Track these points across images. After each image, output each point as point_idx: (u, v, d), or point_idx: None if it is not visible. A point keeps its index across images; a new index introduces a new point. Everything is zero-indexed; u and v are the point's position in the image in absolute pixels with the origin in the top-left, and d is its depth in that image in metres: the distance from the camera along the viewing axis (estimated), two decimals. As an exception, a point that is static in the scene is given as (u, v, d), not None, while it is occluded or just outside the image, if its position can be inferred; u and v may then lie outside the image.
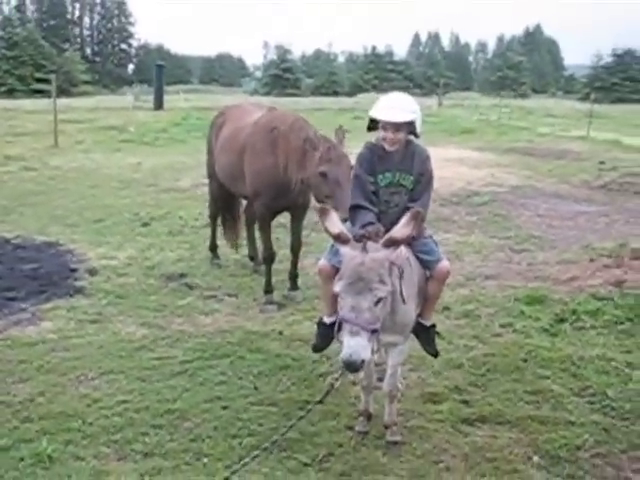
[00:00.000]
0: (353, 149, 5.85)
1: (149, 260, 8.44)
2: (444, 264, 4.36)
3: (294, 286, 7.38)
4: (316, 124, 6.78)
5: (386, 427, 4.47)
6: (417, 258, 4.26)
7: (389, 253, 3.59)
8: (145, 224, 10.33)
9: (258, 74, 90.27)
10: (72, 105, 32.39)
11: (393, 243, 3.59)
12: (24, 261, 8.20)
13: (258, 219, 7.30)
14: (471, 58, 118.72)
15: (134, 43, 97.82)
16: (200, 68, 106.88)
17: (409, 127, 4.29)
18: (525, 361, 5.65)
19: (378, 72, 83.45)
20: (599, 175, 15.76)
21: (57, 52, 72.17)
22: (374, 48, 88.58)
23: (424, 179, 4.35)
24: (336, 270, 3.88)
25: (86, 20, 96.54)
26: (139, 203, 11.88)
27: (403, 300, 3.84)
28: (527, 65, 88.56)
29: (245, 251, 8.62)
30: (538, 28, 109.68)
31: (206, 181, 8.92)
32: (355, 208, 4.27)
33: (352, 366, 3.40)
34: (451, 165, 16.09)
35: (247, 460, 3.56)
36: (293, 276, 7.39)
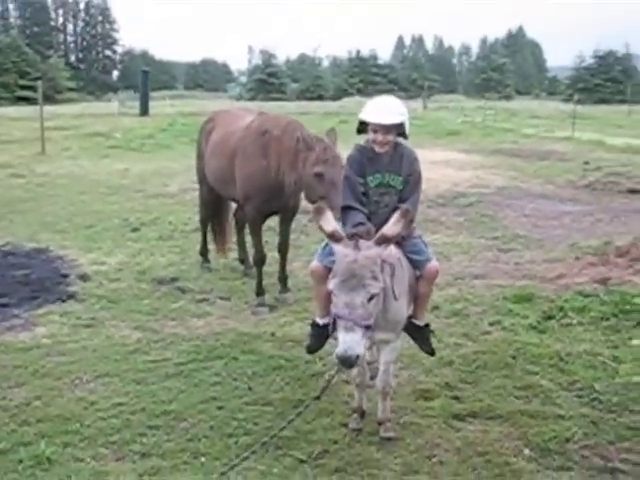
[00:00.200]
0: (341, 151, 5.96)
1: (140, 265, 8.49)
2: (433, 264, 4.45)
3: (285, 288, 7.45)
4: (304, 127, 6.85)
5: (379, 423, 4.55)
6: (407, 258, 4.35)
7: (381, 250, 3.69)
8: (135, 229, 10.38)
9: (243, 79, 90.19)
10: (57, 112, 32.39)
11: (384, 240, 3.69)
12: (15, 267, 8.23)
13: (249, 222, 7.37)
14: (455, 61, 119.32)
15: (118, 49, 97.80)
16: (185, 74, 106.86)
17: (398, 129, 4.39)
18: (514, 357, 5.74)
19: (363, 76, 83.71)
20: (584, 175, 15.94)
21: (41, 59, 71.98)
22: (358, 52, 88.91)
23: (412, 180, 4.45)
24: (328, 271, 3.97)
25: (70, 27, 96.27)
26: (128, 209, 11.92)
27: (395, 297, 3.93)
28: (510, 67, 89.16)
29: (234, 255, 8.69)
30: (521, 30, 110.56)
31: (194, 186, 9.00)
32: (346, 209, 4.35)
33: (347, 361, 3.49)
34: (437, 167, 16.22)
35: (246, 455, 3.63)
36: (283, 278, 7.47)
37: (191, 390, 5.16)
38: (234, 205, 8.35)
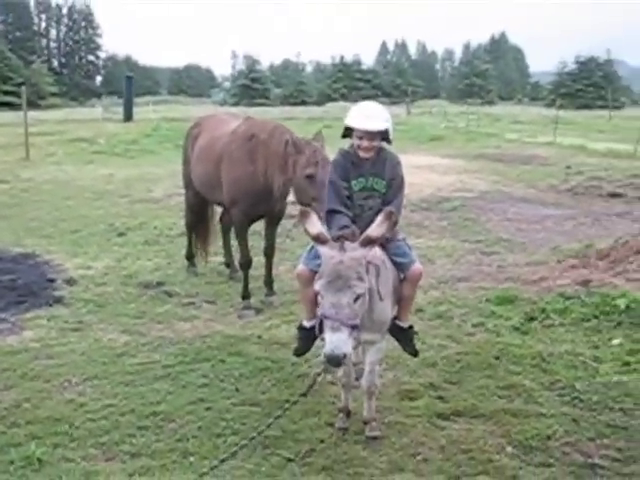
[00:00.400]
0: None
1: (126, 269, 8.54)
2: (417, 266, 4.54)
3: (271, 291, 7.53)
4: (289, 133, 6.93)
5: (365, 423, 4.63)
6: (391, 261, 4.44)
7: (366, 252, 3.78)
8: (121, 234, 10.42)
9: (227, 84, 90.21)
10: (41, 117, 32.37)
11: (369, 242, 3.78)
12: (2, 272, 8.24)
13: (235, 226, 7.44)
14: (438, 66, 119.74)
15: (102, 55, 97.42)
16: (168, 79, 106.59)
17: (383, 135, 4.48)
18: (497, 358, 5.84)
19: (346, 81, 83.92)
20: (565, 179, 16.14)
21: (24, 64, 71.61)
22: (342, 57, 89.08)
23: (395, 183, 4.54)
24: (314, 274, 4.06)
25: (53, 32, 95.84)
26: (113, 214, 11.96)
27: (380, 297, 4.02)
28: (493, 72, 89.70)
29: (220, 259, 8.75)
30: (503, 36, 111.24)
31: (179, 191, 9.06)
32: (331, 212, 4.42)
33: (334, 360, 3.57)
34: (421, 172, 16.34)
35: (235, 449, 3.70)
36: (269, 281, 7.54)
37: (179, 392, 5.22)
38: (220, 209, 8.42)
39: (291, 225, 8.67)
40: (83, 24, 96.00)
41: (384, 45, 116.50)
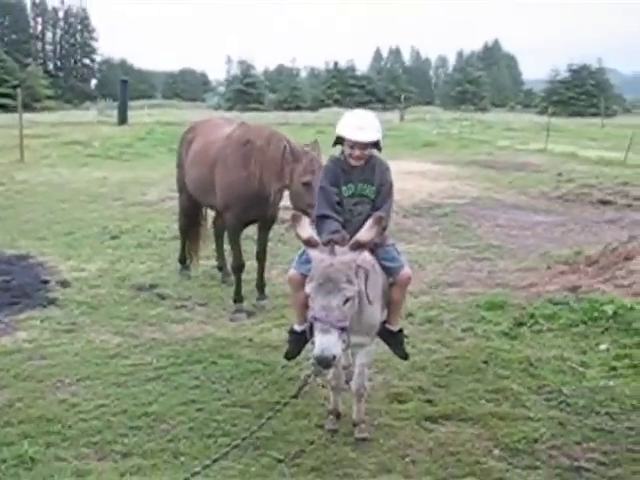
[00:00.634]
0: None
1: (120, 272, 8.58)
2: (406, 271, 4.62)
3: (262, 295, 7.59)
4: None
5: (354, 425, 4.70)
6: (380, 265, 4.50)
7: (355, 256, 3.86)
8: (114, 237, 10.45)
9: (221, 89, 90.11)
10: (36, 120, 32.30)
11: (359, 246, 3.87)
12: (-5, 274, 8.28)
13: (228, 230, 7.50)
14: (432, 73, 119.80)
15: (97, 58, 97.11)
16: (163, 83, 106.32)
17: (374, 144, 4.56)
18: (486, 363, 5.91)
19: (340, 87, 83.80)
20: (557, 186, 16.20)
21: (19, 67, 71.37)
22: (336, 63, 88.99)
23: (384, 189, 4.63)
24: (305, 278, 4.11)
25: (49, 35, 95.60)
26: (107, 216, 11.98)
27: (369, 300, 4.10)
28: (486, 80, 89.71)
29: (212, 262, 8.80)
30: (497, 44, 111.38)
31: (172, 195, 9.11)
32: (321, 217, 4.49)
33: (324, 361, 3.64)
34: (413, 178, 16.38)
35: (227, 450, 3.75)
36: (260, 285, 7.61)
37: (171, 393, 5.28)
38: (213, 213, 8.47)
39: (283, 229, 8.74)
40: (79, 27, 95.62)
41: (378, 51, 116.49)
